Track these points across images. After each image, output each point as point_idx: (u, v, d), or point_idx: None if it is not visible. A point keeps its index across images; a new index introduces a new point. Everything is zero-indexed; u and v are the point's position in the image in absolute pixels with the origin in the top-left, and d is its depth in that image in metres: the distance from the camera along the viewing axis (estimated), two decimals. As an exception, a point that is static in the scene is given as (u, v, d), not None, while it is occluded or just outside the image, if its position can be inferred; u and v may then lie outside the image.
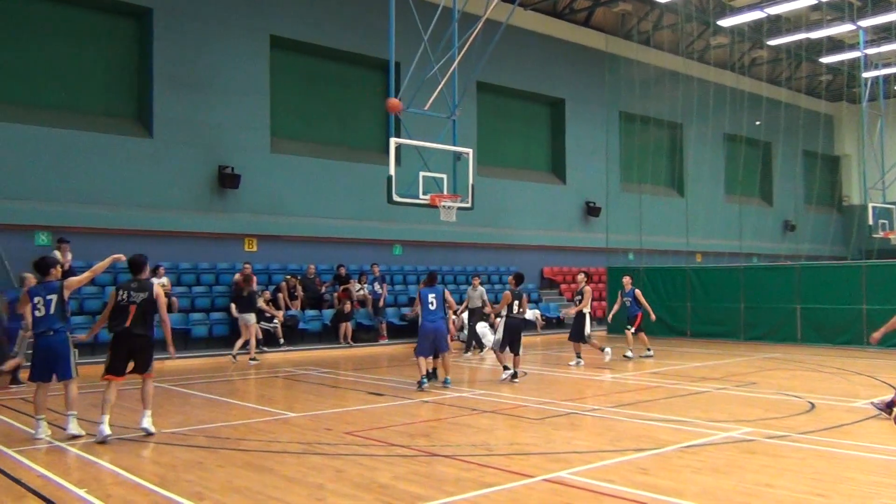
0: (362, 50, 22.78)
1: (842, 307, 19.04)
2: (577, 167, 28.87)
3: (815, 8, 27.81)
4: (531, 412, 10.04)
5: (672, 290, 22.88)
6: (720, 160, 34.00)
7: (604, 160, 27.11)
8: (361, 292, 20.32)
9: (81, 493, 6.18)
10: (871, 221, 29.11)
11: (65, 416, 8.38)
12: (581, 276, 16.23)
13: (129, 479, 6.61)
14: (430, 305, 12.04)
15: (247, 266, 18.28)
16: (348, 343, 19.18)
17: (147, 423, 8.40)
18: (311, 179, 21.65)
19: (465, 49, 17.14)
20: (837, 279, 19.57)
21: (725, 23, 28.18)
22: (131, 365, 8.47)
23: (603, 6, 28.72)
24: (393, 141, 15.71)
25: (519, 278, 13.57)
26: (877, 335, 9.34)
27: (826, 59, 32.92)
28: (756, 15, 26.99)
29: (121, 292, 8.37)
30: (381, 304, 20.05)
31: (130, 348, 8.40)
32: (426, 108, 16.98)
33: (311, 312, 19.64)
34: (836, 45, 32.35)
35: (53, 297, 8.38)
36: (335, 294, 20.19)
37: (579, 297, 15.84)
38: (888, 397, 9.46)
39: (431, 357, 12.33)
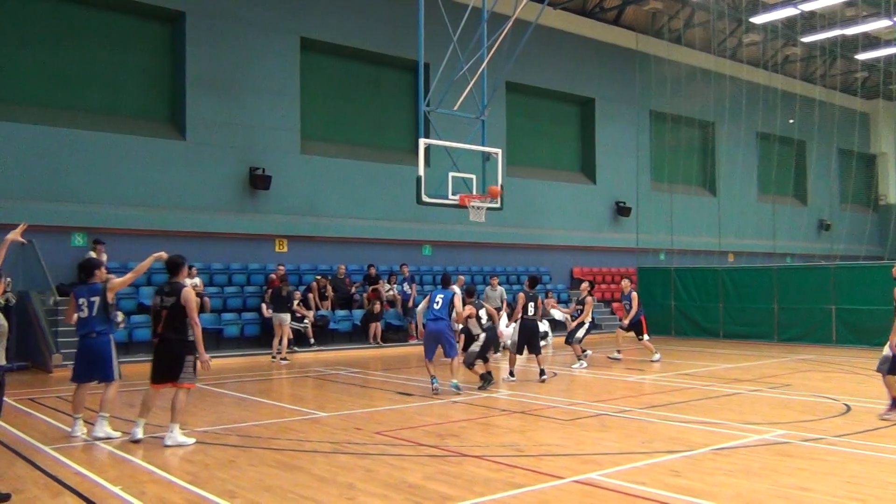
0: (391, 51, 22.86)
1: (878, 308, 18.62)
2: (607, 167, 28.69)
3: (850, 4, 27.35)
4: (561, 413, 10.00)
5: (704, 290, 22.64)
6: (753, 159, 33.57)
7: (634, 160, 26.90)
8: (391, 292, 20.39)
9: (116, 490, 6.27)
10: (907, 220, 28.57)
11: (98, 416, 8.42)
12: (584, 286, 16.14)
13: (163, 477, 6.70)
14: (434, 304, 11.75)
15: (281, 267, 18.48)
16: (378, 343, 19.25)
17: (168, 439, 7.96)
18: (341, 180, 21.76)
19: (494, 49, 17.13)
20: (874, 279, 19.19)
21: (758, 20, 27.82)
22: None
23: (633, 5, 28.49)
24: (422, 141, 15.74)
25: (533, 281, 13.77)
26: (894, 340, 8.95)
27: (862, 56, 32.34)
28: (789, 11, 26.60)
29: (155, 297, 8.30)
30: (410, 304, 20.09)
31: (162, 354, 8.22)
32: (455, 108, 17.01)
33: (341, 313, 19.76)
34: (871, 41, 31.78)
35: (96, 300, 8.39)
36: (365, 294, 20.28)
37: (580, 307, 15.76)
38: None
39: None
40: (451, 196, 16.10)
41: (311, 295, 19.09)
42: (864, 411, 9.85)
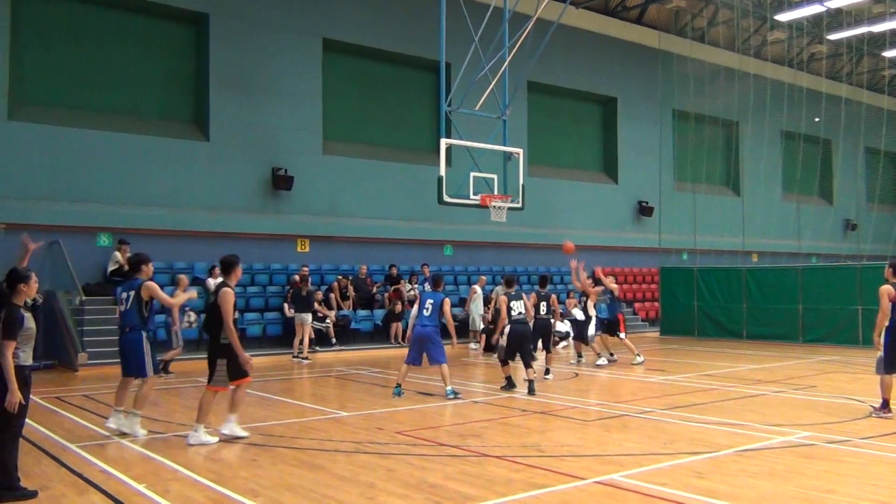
0: (413, 51, 22.90)
1: (906, 309, 18.40)
2: (629, 166, 28.54)
3: (877, 1, 26.98)
4: (582, 413, 9.96)
5: (727, 291, 22.43)
6: (777, 158, 33.21)
7: (657, 159, 26.72)
8: (412, 292, 20.42)
9: (141, 488, 6.34)
10: (936, 220, 28.12)
11: (129, 413, 8.47)
12: (588, 280, 16.15)
13: (187, 476, 6.77)
14: (424, 310, 11.37)
15: (305, 268, 18.60)
16: (399, 343, 19.27)
17: (191, 438, 8.01)
18: (363, 181, 21.83)
19: (515, 49, 17.11)
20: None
21: (783, 17, 27.53)
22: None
23: (656, 3, 28.31)
24: (443, 142, 15.76)
25: (544, 280, 13.87)
26: (877, 339, 9.48)
27: (889, 53, 31.88)
28: (815, 9, 26.31)
29: (210, 297, 8.40)
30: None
31: (207, 356, 8.32)
32: (477, 108, 17.00)
33: (362, 312, 19.83)
34: (899, 38, 31.30)
35: (132, 294, 8.41)
36: (386, 294, 20.33)
37: (585, 298, 15.94)
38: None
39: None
40: (472, 196, 16.10)
41: (332, 295, 19.18)
42: (891, 413, 9.71)
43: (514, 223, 19.67)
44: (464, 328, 20.32)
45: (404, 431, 8.70)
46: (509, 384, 12.11)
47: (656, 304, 25.26)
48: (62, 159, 17.54)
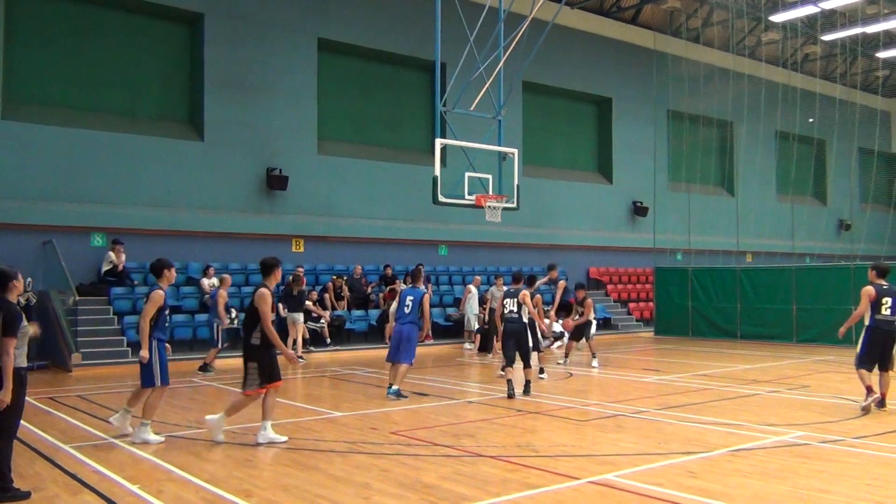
0: (408, 51, 22.89)
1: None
2: (624, 167, 28.57)
3: (871, 2, 27.05)
4: (576, 414, 9.97)
5: (721, 291, 22.48)
6: (772, 159, 33.30)
7: (651, 159, 26.76)
8: (407, 293, 20.39)
9: (135, 489, 6.32)
10: (929, 220, 28.20)
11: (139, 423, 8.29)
12: (581, 291, 15.96)
13: (181, 476, 6.75)
14: (405, 307, 11.26)
15: (300, 269, 18.52)
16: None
17: (260, 437, 8.01)
18: (358, 181, 21.82)
19: (510, 49, 17.11)
20: (895, 280, 18.98)
21: (777, 18, 27.58)
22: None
23: (651, 3, 28.33)
24: (438, 142, 15.75)
25: (531, 280, 13.61)
26: (842, 330, 10.22)
27: (883, 54, 31.98)
28: (809, 10, 26.37)
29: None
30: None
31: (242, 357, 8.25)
32: (472, 108, 17.00)
33: (357, 312, 19.81)
34: (893, 39, 31.43)
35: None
36: (381, 294, 20.32)
37: (581, 308, 15.72)
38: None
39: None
40: (467, 196, 16.09)
41: (327, 295, 19.16)
42: (886, 413, 9.75)
43: (508, 223, 19.68)
44: (459, 328, 20.35)
45: (399, 431, 8.70)
46: (508, 389, 11.44)
47: (651, 304, 25.29)
48: (56, 159, 17.49)
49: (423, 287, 11.87)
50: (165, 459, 7.34)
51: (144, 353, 8.13)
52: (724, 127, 32.04)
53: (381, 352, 18.48)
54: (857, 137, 32.23)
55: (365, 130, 23.01)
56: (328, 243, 21.32)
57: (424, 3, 19.42)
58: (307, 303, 17.60)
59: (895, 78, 36.28)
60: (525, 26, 16.91)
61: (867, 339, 9.81)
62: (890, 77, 37.20)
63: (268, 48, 20.50)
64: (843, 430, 8.64)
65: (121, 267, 17.35)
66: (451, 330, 20.43)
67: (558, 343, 20.06)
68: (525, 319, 11.71)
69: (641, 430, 8.81)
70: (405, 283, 20.61)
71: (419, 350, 19.15)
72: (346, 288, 19.81)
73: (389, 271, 20.82)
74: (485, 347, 18.21)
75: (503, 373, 12.00)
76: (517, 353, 11.59)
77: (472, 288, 19.96)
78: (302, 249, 20.89)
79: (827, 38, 30.23)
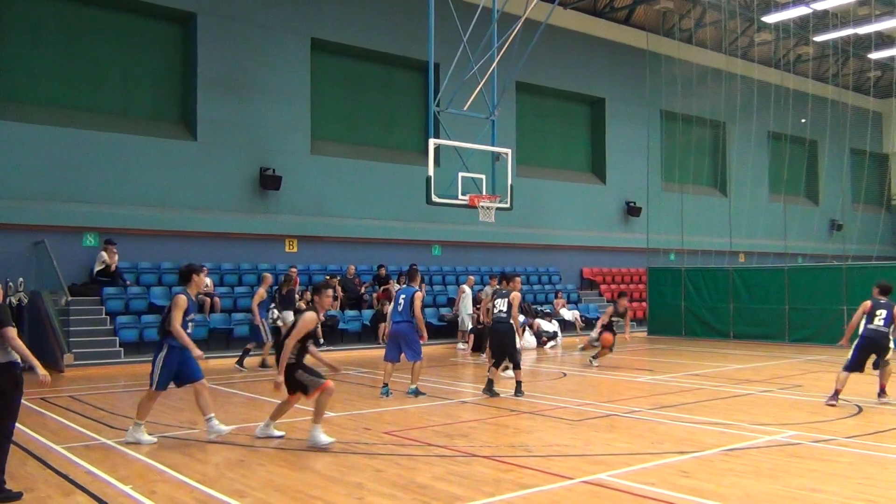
0: (402, 52, 22.88)
1: (891, 309, 18.52)
2: (617, 167, 28.63)
3: (863, 3, 27.18)
4: (570, 413, 9.98)
5: (714, 291, 22.54)
6: (764, 159, 33.42)
7: (645, 160, 26.82)
8: (401, 293, 20.38)
9: (127, 489, 6.30)
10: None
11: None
12: (623, 300, 15.73)
13: (174, 477, 6.73)
14: (398, 306, 11.33)
15: (293, 269, 18.49)
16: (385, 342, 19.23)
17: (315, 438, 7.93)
18: (351, 181, 21.80)
19: (504, 49, 17.13)
20: (886, 279, 19.04)
21: (770, 19, 27.68)
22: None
23: (644, 4, 28.41)
24: (432, 142, 15.76)
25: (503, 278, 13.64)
26: (844, 341, 10.96)
27: (875, 55, 32.12)
28: (802, 10, 26.47)
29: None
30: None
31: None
32: (465, 108, 17.01)
33: (350, 313, 19.79)
34: (884, 40, 31.57)
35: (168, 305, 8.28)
36: (375, 294, 20.30)
37: (620, 318, 15.63)
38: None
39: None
40: (460, 196, 16.10)
41: (320, 295, 19.08)
42: (877, 412, 9.81)
43: (502, 223, 19.69)
44: (452, 328, 20.34)
45: (392, 432, 8.69)
46: (488, 387, 11.51)
47: (644, 304, 25.34)
48: (48, 158, 17.41)
49: (416, 286, 11.86)
50: (158, 460, 7.32)
51: (198, 351, 8.12)
52: (717, 127, 32.14)
53: (374, 352, 18.53)
54: (850, 138, 32.37)
55: (358, 130, 22.99)
56: (321, 243, 21.29)
57: (417, 3, 19.43)
58: (299, 303, 17.52)
59: (887, 79, 36.42)
60: (518, 26, 16.93)
61: (859, 347, 10.54)
62: (882, 78, 37.36)
63: (261, 48, 20.46)
64: (835, 429, 8.67)
65: (113, 267, 17.30)
66: (445, 330, 20.42)
67: (552, 343, 20.10)
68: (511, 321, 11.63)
69: (634, 430, 8.82)
70: (399, 282, 20.64)
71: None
72: (339, 288, 19.77)
73: (383, 271, 20.81)
74: (478, 347, 18.19)
75: (507, 373, 12.19)
76: (503, 355, 11.55)
77: (466, 288, 19.96)
78: (295, 249, 20.86)
79: (819, 38, 30.35)
